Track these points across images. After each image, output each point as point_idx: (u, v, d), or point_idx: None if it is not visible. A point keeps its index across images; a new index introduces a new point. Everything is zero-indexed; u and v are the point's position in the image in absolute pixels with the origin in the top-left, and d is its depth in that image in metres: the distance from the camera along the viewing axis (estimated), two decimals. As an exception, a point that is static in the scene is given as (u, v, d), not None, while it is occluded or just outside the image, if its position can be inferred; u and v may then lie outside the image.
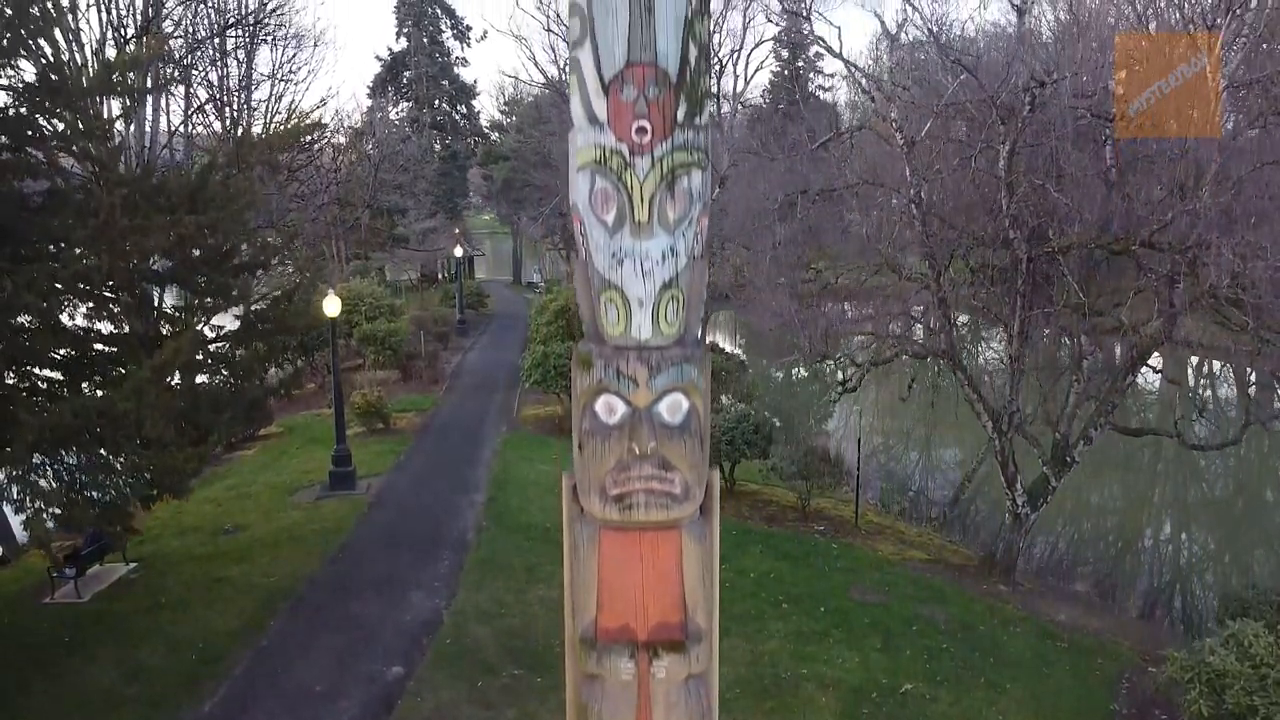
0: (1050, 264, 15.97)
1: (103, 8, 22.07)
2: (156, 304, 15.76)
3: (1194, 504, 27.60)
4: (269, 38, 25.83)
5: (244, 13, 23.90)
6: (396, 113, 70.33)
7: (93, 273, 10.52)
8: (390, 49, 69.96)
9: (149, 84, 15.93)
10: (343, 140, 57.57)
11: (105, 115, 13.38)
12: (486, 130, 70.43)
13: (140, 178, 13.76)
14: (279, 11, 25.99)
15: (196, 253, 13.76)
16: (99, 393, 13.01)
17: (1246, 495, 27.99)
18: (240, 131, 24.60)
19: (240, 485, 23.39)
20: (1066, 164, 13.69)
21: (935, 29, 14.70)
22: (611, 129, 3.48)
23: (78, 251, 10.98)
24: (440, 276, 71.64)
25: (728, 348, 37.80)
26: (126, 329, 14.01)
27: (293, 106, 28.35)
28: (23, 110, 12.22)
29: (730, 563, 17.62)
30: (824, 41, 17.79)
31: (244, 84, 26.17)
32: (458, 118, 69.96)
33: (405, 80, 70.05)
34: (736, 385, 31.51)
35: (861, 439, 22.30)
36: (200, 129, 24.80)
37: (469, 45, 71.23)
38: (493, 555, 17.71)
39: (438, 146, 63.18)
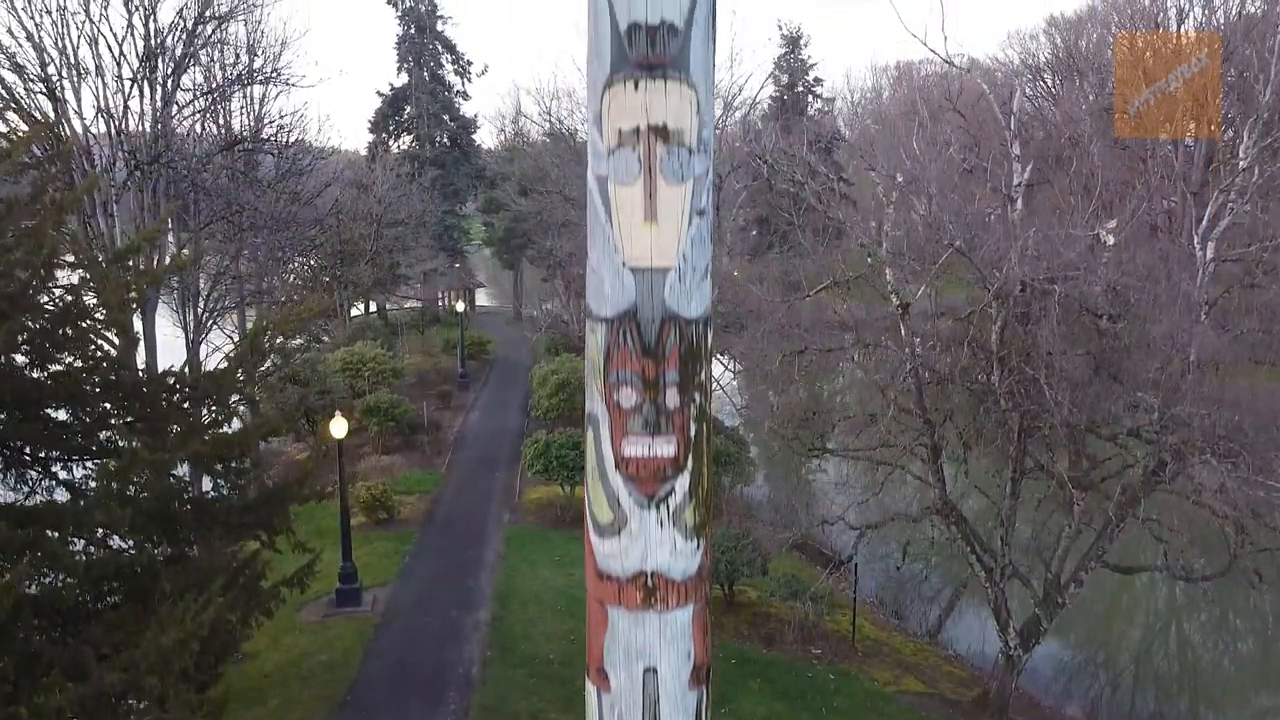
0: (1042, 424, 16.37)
1: (113, 132, 22.44)
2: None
3: (1187, 624, 28.16)
4: (272, 151, 26.25)
5: (247, 127, 24.36)
6: (397, 145, 70.69)
7: (117, 520, 10.97)
8: (391, 85, 70.32)
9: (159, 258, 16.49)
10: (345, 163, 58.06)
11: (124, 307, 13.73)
12: (488, 177, 70.74)
13: (159, 378, 14.17)
14: (284, 128, 26.57)
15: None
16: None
17: (1237, 618, 28.45)
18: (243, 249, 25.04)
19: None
20: (1056, 352, 14.10)
21: (933, 217, 15.07)
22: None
23: (98, 493, 11.40)
24: (441, 305, 71.93)
25: (728, 416, 38.10)
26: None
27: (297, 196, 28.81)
28: (46, 335, 12.61)
29: (729, 704, 18.07)
30: (838, 218, 17.99)
31: (248, 179, 26.59)
32: (459, 154, 70.26)
33: (406, 115, 70.41)
34: (737, 468, 31.90)
35: (858, 553, 22.69)
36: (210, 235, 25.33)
37: (470, 80, 71.58)
38: (498, 700, 18.11)
39: (437, 190, 63.44)
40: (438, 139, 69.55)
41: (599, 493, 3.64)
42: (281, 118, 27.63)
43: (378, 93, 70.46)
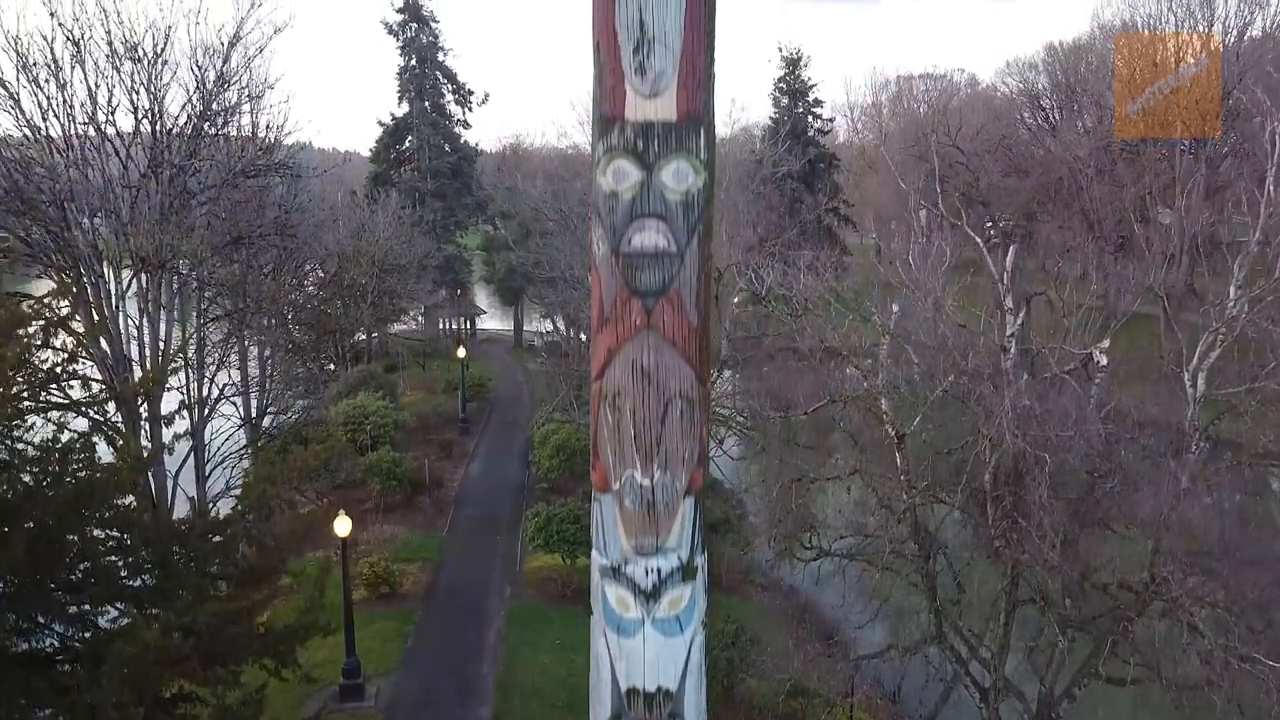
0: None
1: (120, 233, 22.69)
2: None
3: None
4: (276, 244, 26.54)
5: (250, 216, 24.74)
6: (398, 174, 70.97)
7: (131, 717, 11.34)
8: (393, 114, 70.60)
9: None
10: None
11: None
12: (490, 213, 71.17)
13: (167, 529, 14.49)
14: (290, 223, 26.76)
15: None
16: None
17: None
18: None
19: (249, 680, 24.00)
20: (1047, 511, 14.40)
21: (926, 366, 15.37)
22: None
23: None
24: (443, 334, 72.25)
25: (726, 477, 38.23)
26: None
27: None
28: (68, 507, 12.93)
29: (728, 819, 18.37)
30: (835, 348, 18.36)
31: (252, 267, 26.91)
32: (460, 185, 70.56)
33: (407, 145, 70.73)
34: (735, 534, 32.14)
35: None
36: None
37: (470, 109, 71.85)
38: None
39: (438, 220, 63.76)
40: (439, 168, 69.78)
41: None
42: (285, 212, 27.84)
43: (379, 122, 70.82)
